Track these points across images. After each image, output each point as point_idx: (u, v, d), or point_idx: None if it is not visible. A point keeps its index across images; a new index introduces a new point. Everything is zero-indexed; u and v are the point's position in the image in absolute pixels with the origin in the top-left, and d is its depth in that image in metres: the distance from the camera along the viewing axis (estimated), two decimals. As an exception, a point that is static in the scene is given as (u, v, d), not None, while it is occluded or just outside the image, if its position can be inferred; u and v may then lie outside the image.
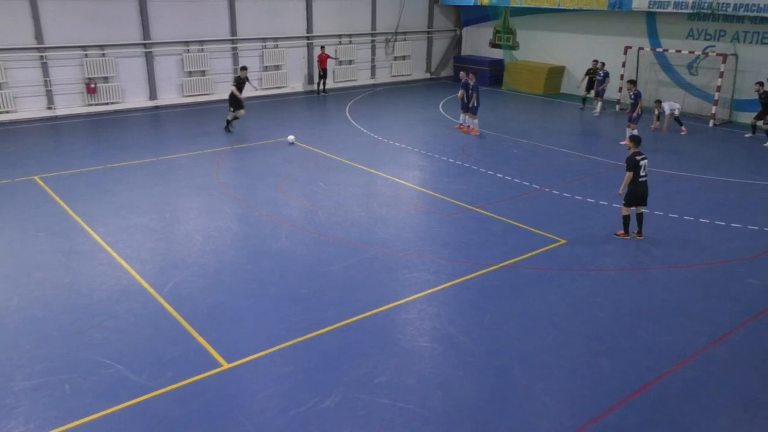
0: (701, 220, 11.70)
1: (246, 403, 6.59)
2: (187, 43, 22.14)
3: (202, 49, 22.51)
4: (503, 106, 23.15)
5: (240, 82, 18.27)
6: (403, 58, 28.30)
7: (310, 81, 25.60)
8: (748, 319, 8.27)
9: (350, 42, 26.31)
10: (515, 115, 21.29)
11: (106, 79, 20.68)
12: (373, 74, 27.55)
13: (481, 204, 12.50)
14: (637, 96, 16.71)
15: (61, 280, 9.21)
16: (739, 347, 7.66)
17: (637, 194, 10.48)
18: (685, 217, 11.81)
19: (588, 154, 16.33)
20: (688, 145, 17.34)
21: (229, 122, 18.43)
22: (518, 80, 25.95)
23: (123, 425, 6.24)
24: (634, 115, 16.63)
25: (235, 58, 23.39)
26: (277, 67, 24.52)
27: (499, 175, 14.47)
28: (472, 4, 26.88)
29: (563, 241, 10.69)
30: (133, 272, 9.46)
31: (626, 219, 10.76)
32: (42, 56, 19.43)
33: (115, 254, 10.04)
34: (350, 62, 26.60)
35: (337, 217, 11.86)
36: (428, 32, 28.87)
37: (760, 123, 17.74)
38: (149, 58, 21.43)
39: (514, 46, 27.14)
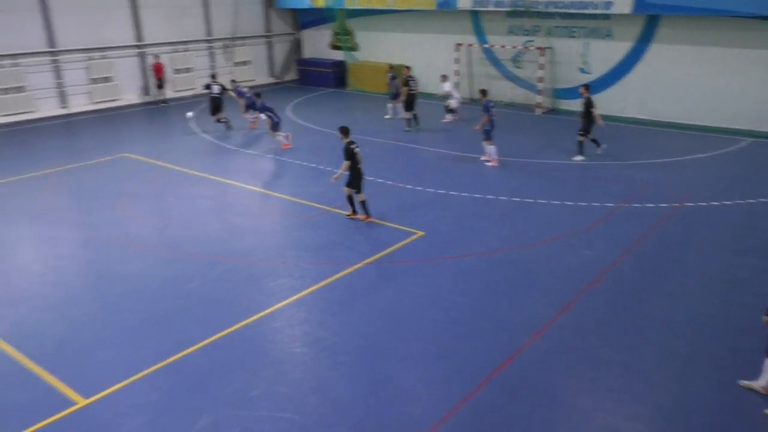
0: (539, 201, 12.77)
1: (110, 441, 6.12)
2: (-3, 56, 19.93)
3: (17, 63, 20.36)
4: (350, 106, 23.55)
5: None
6: (244, 63, 27.71)
7: (147, 92, 24.20)
8: (586, 287, 9.19)
9: (186, 49, 25.25)
10: (363, 115, 21.74)
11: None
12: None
13: (339, 204, 12.61)
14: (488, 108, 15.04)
15: None
16: (581, 314, 8.48)
17: (358, 179, 11.35)
18: (526, 200, 12.82)
19: (437, 148, 17.11)
20: (519, 134, 18.79)
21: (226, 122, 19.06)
22: (362, 80, 26.53)
23: (-37, 491, 5.51)
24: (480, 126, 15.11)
25: (57, 71, 21.45)
26: (107, 79, 22.85)
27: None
28: (307, 6, 27.00)
29: (421, 233, 11.13)
30: (-43, 317, 8.36)
31: (351, 199, 11.64)
32: None
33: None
34: (188, 70, 25.51)
35: (192, 232, 11.35)
36: (267, 36, 28.53)
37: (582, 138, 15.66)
38: (-48, 74, 19.00)
39: (354, 47, 27.69)
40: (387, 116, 20.93)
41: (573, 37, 21.27)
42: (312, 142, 17.98)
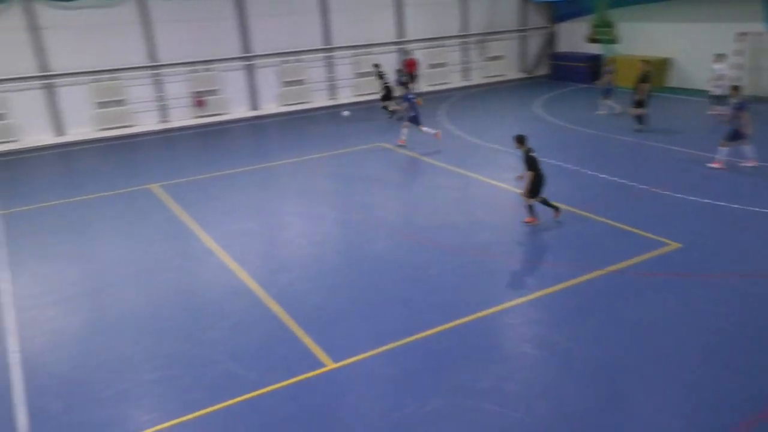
0: (834, 220, 10.69)
1: (351, 404, 6.72)
2: (284, 54, 23.00)
3: (299, 60, 23.29)
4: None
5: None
6: (496, 58, 27.92)
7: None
8: None
9: (441, 45, 26.30)
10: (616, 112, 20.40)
11: (212, 92, 21.85)
12: (466, 76, 27.38)
13: (585, 206, 12.06)
14: (742, 107, 13.35)
15: (179, 281, 9.83)
16: None
17: (539, 185, 10.96)
18: (814, 218, 10.84)
19: (701, 150, 15.31)
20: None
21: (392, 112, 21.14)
22: (619, 75, 24.77)
23: (236, 419, 6.56)
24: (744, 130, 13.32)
25: (330, 66, 24.01)
26: (371, 74, 24.90)
27: (602, 175, 13.91)
28: (567, -1, 26.13)
29: (677, 245, 10.10)
30: (243, 274, 9.93)
31: (531, 207, 11.20)
32: (156, 73, 20.86)
33: (226, 257, 10.57)
34: (442, 65, 26.57)
35: (435, 221, 11.86)
36: (521, 31, 28.31)
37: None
38: (250, 70, 22.45)
39: (614, 40, 26.02)
40: (599, 112, 19.98)
41: None
42: (562, 140, 17.44)
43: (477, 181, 14.23)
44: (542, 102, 22.89)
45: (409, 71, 24.56)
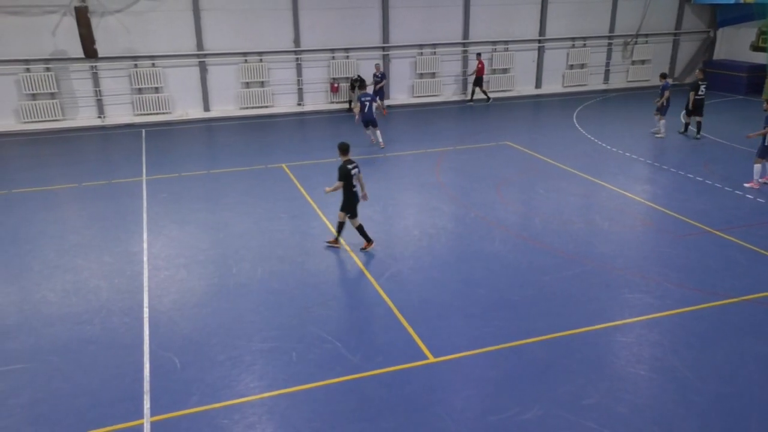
0: None
1: (448, 400, 6.71)
2: (421, 46, 23.15)
3: (435, 53, 23.35)
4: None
5: None
6: (642, 62, 26.29)
7: (538, 84, 25.09)
8: None
9: (584, 45, 25.19)
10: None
11: (347, 80, 22.50)
12: (606, 79, 26.07)
13: (723, 227, 11.10)
14: None
15: (296, 258, 10.28)
16: None
17: (352, 203, 10.26)
18: None
19: None
20: None
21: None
22: (783, 89, 22.46)
23: (336, 398, 6.77)
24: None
25: (465, 61, 23.83)
26: (505, 71, 24.44)
27: (749, 196, 12.70)
28: (732, 2, 23.92)
29: (829, 281, 9.03)
30: (356, 258, 10.20)
31: (341, 225, 10.49)
32: (297, 58, 21.86)
33: (342, 240, 10.90)
34: (582, 66, 25.47)
35: (554, 226, 11.45)
36: (675, 34, 26.39)
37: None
38: (386, 60, 22.83)
39: (782, 50, 23.57)
40: (656, 133, 18.07)
41: None
42: (707, 154, 16.12)
43: (604, 188, 13.53)
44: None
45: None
